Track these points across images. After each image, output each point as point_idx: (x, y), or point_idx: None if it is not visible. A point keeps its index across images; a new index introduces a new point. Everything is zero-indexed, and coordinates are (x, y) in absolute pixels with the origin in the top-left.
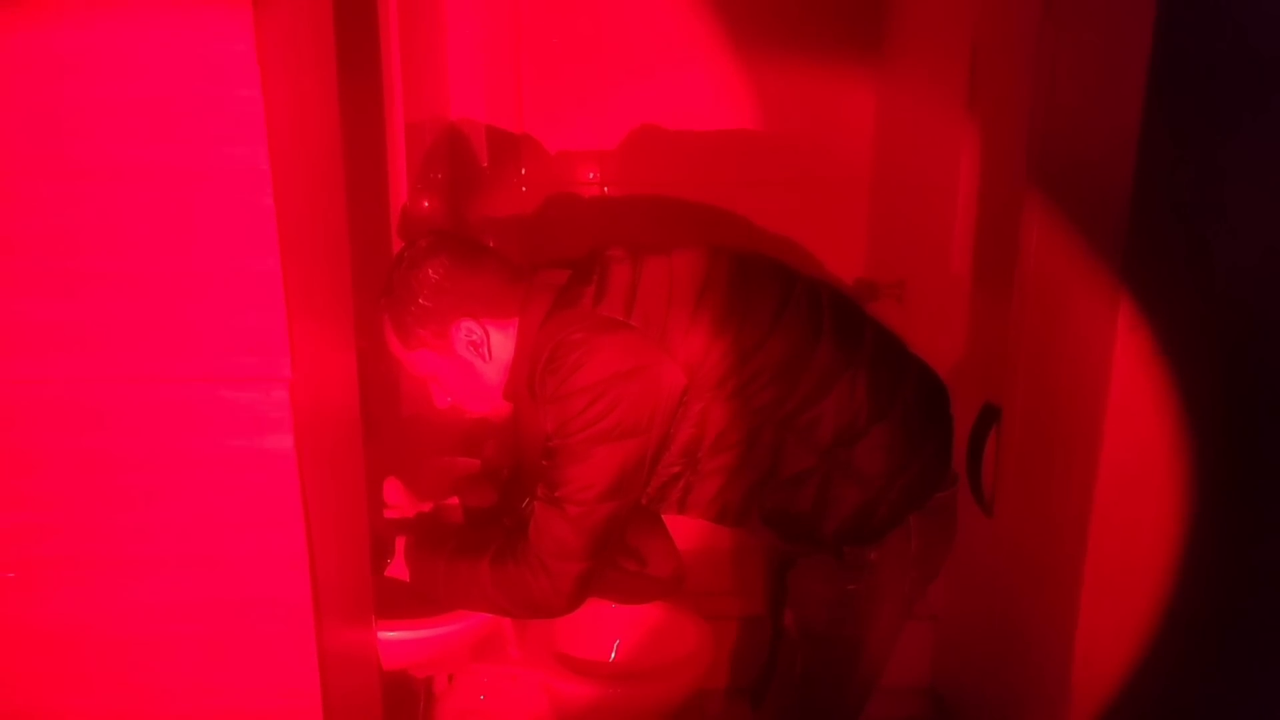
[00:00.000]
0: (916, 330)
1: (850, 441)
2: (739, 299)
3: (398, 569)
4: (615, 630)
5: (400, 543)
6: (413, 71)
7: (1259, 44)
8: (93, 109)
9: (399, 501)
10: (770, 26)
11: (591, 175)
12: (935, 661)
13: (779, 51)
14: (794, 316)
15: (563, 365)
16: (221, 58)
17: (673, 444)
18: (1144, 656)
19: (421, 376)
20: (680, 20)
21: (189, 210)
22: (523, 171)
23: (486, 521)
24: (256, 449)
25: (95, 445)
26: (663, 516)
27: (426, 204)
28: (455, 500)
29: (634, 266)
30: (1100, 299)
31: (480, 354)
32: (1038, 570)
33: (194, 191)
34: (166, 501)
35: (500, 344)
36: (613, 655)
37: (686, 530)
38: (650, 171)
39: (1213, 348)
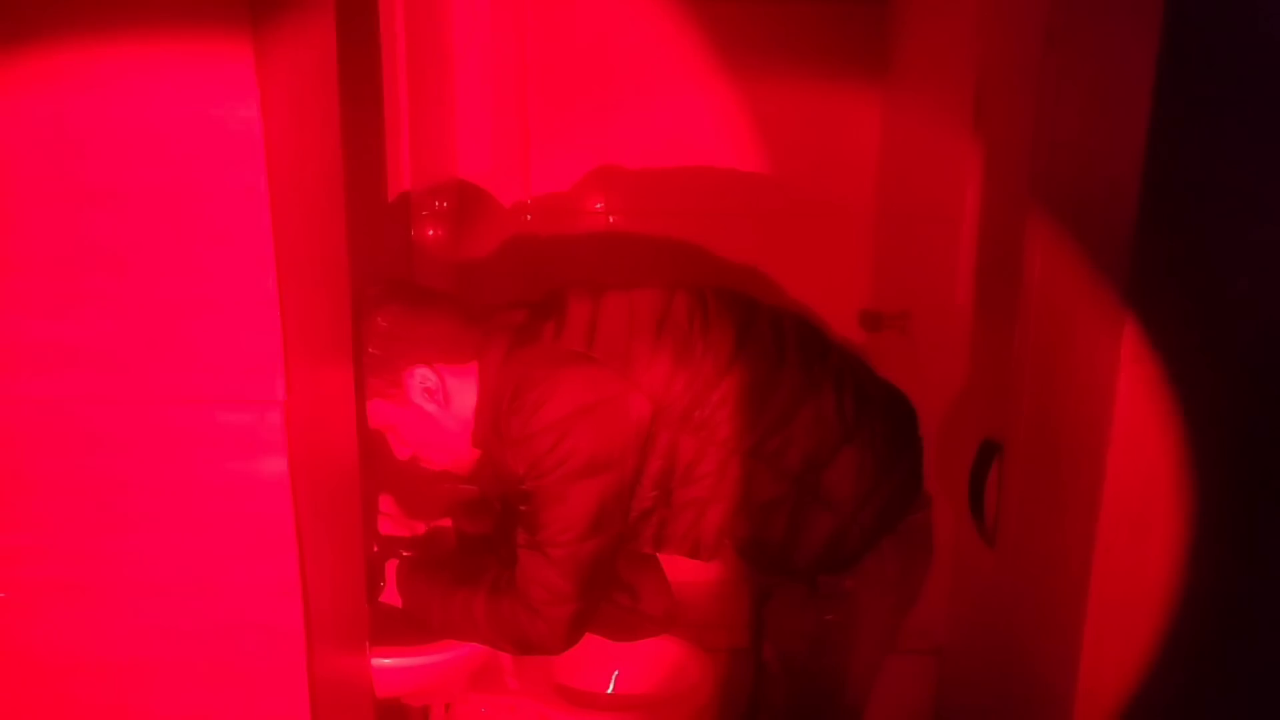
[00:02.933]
0: (921, 361)
1: (819, 466)
2: (699, 330)
3: (392, 594)
4: (614, 661)
5: (391, 567)
6: (419, 101)
7: (1266, 70)
8: (95, 132)
9: (394, 518)
10: (774, 57)
11: (599, 205)
12: (938, 696)
13: (782, 81)
14: (756, 345)
15: (526, 404)
16: (222, 81)
17: (644, 477)
18: (1148, 690)
19: (378, 427)
20: (685, 51)
21: (186, 232)
22: (529, 200)
23: (481, 548)
24: (250, 472)
25: (88, 467)
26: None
27: (432, 232)
28: (449, 523)
29: (593, 302)
30: (1105, 329)
31: (436, 400)
32: (1041, 603)
33: (192, 214)
34: (159, 524)
35: (458, 390)
36: (611, 687)
37: (672, 561)
38: (656, 200)
39: (1220, 379)
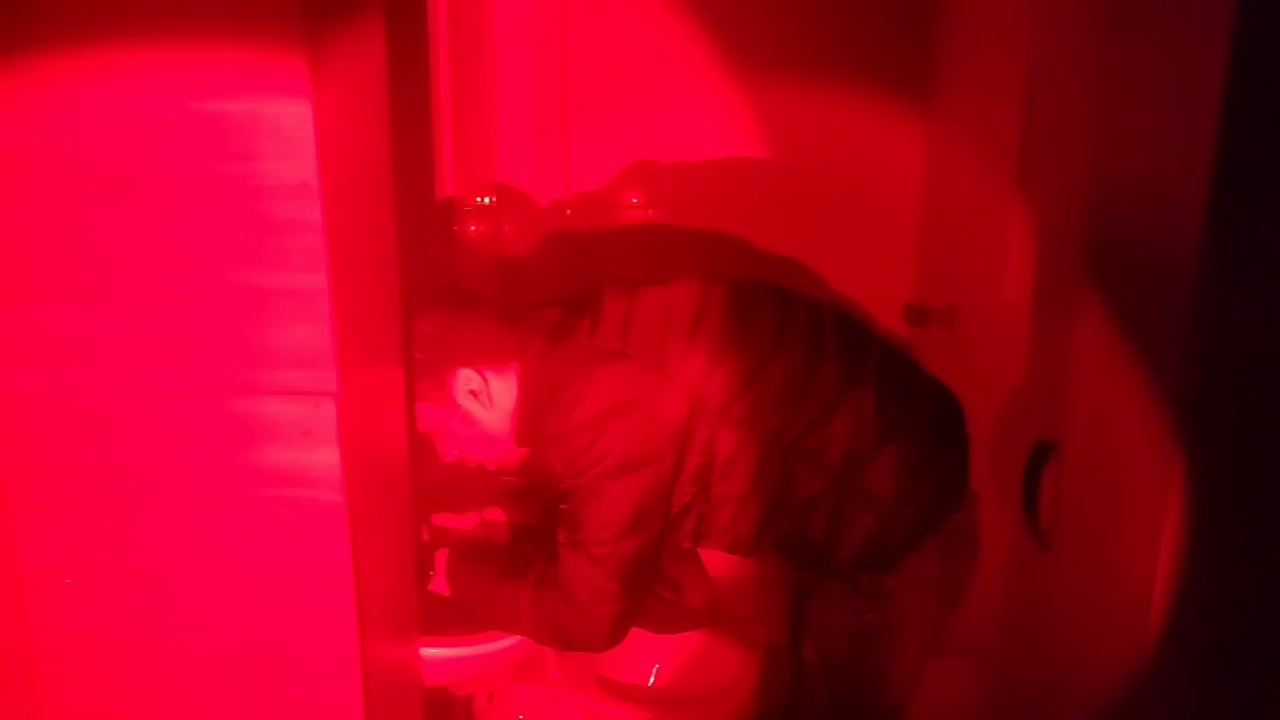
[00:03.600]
0: (968, 357)
1: (860, 464)
2: (736, 324)
3: (440, 584)
4: (656, 654)
5: (441, 557)
6: (461, 99)
7: None
8: (151, 127)
9: (444, 509)
10: (817, 49)
11: (635, 200)
12: (982, 699)
13: (826, 72)
14: (795, 338)
15: (562, 402)
16: (279, 88)
17: (682, 472)
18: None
19: (425, 429)
20: (727, 44)
21: (244, 230)
22: (569, 196)
23: (529, 538)
24: (304, 462)
25: (149, 456)
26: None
27: (474, 228)
28: (498, 514)
29: (628, 298)
30: (1171, 328)
31: (481, 402)
32: (1100, 609)
33: (249, 212)
34: (217, 513)
35: (501, 390)
36: (652, 679)
37: (711, 556)
38: (694, 195)
39: None
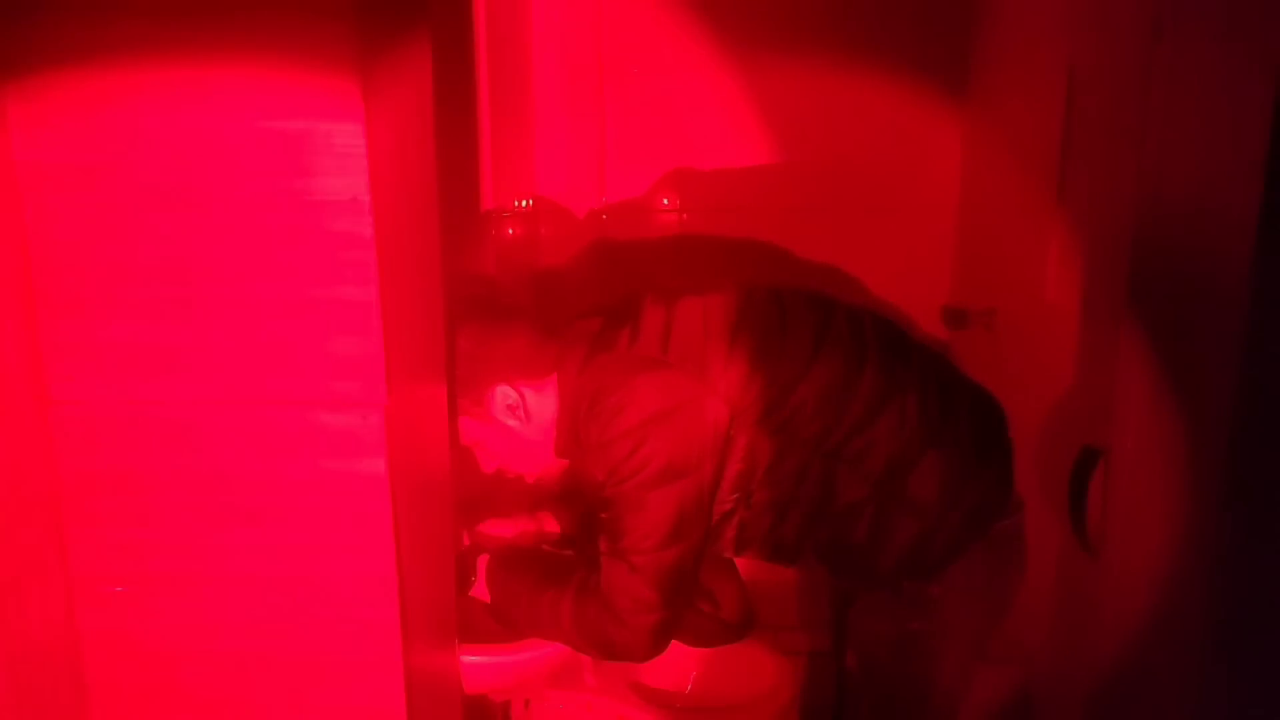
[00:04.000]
0: (1009, 361)
1: (903, 470)
2: (776, 331)
3: (480, 591)
4: (693, 662)
5: (481, 563)
6: (500, 106)
7: None
8: (207, 139)
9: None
10: (854, 55)
11: (666, 201)
12: (1028, 708)
13: (863, 76)
14: (835, 345)
15: (603, 411)
16: (332, 109)
17: (723, 480)
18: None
19: (464, 444)
20: (764, 48)
21: (298, 246)
22: (603, 197)
23: (569, 545)
24: (352, 472)
25: (199, 465)
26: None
27: (511, 231)
28: (539, 521)
29: (667, 306)
30: (1222, 334)
31: (518, 416)
32: (1150, 618)
33: (303, 229)
34: (264, 521)
35: (539, 404)
36: (689, 687)
37: (753, 562)
38: (730, 200)
39: None
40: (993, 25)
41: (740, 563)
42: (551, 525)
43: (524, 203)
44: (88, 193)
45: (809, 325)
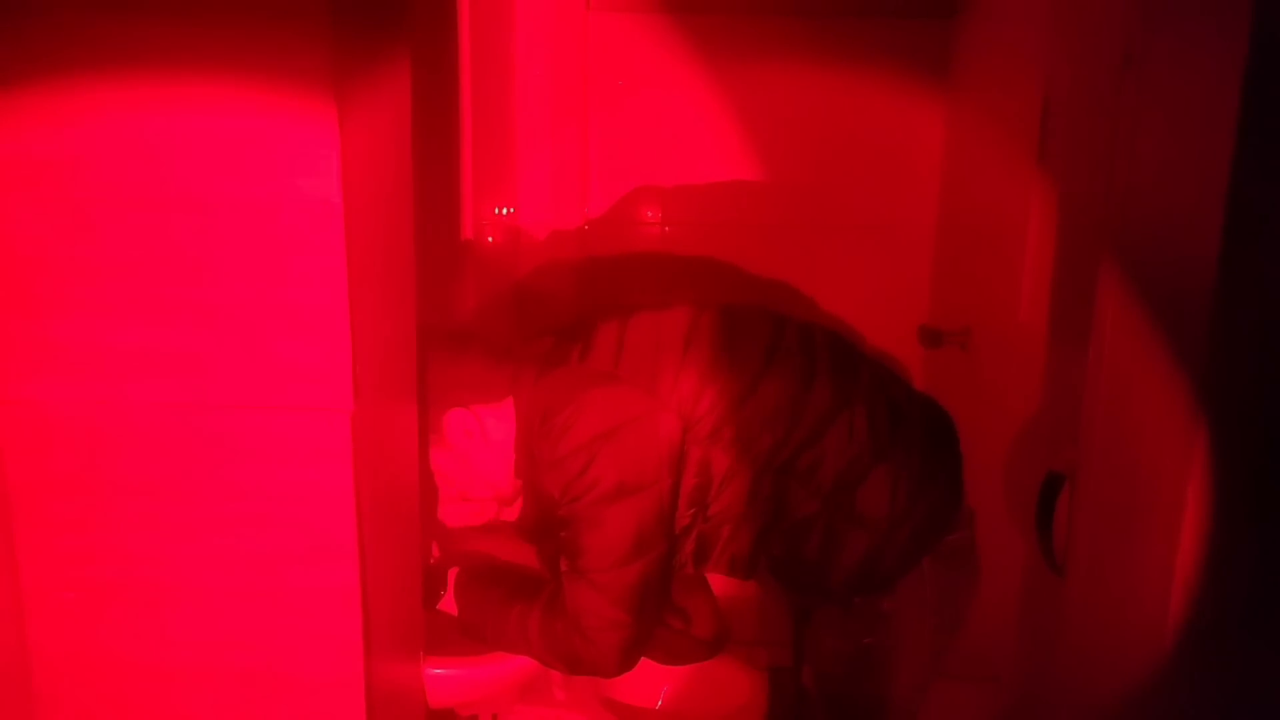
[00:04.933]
0: (983, 380)
1: (852, 484)
2: (726, 346)
3: (449, 604)
4: (664, 677)
5: (452, 576)
6: (482, 116)
7: None
8: (176, 143)
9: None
10: (835, 72)
11: (649, 214)
12: None
13: (843, 96)
14: (785, 360)
15: (554, 428)
16: (298, 97)
17: (679, 494)
18: None
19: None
20: (746, 66)
21: (265, 248)
22: (586, 210)
23: (538, 557)
24: (315, 479)
25: (156, 470)
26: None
27: (491, 239)
28: (508, 533)
29: (620, 322)
30: (1186, 359)
31: (475, 441)
32: (1115, 637)
33: (267, 224)
34: (223, 528)
35: (496, 427)
36: (659, 702)
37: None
38: (711, 212)
39: None
40: (971, 49)
41: (711, 581)
42: (522, 538)
43: (504, 210)
44: (43, 190)
45: (759, 340)
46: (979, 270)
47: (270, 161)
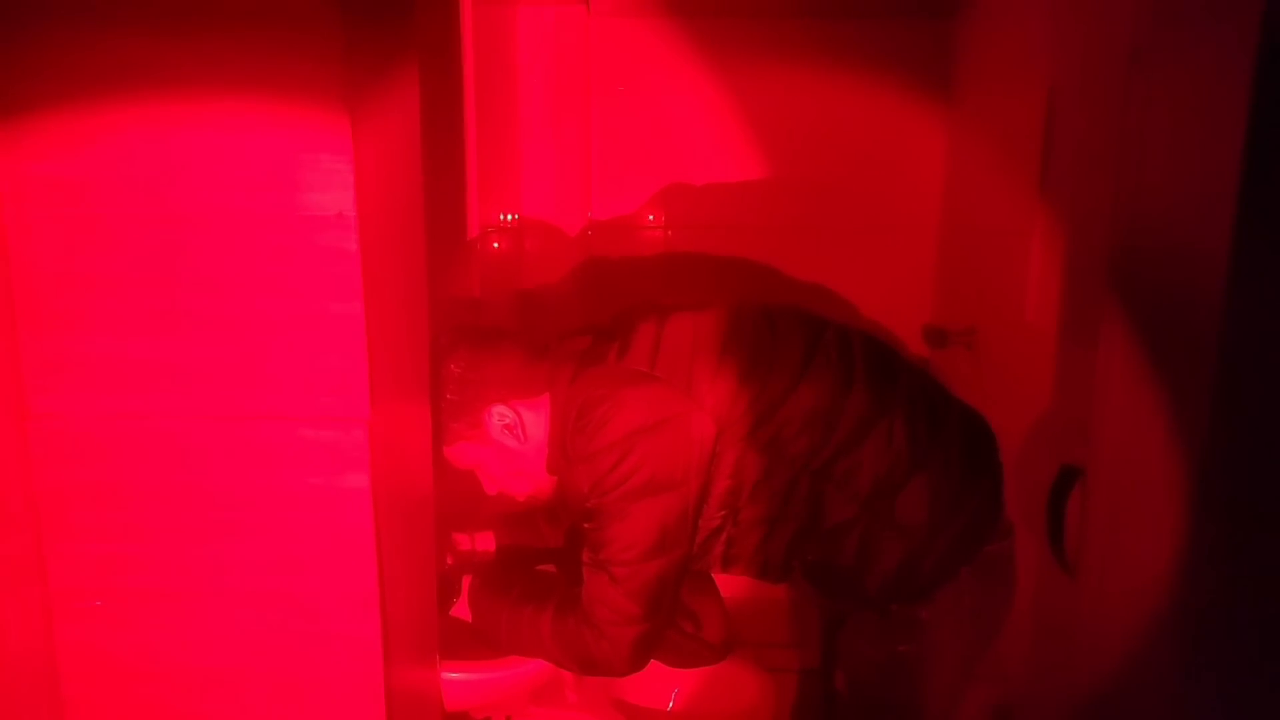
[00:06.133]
0: (990, 380)
1: (891, 491)
2: (764, 348)
3: (462, 609)
4: (674, 679)
5: (466, 582)
6: (486, 124)
7: None
8: (193, 158)
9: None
10: (837, 72)
11: (651, 217)
12: None
13: (846, 96)
14: (823, 363)
15: (589, 423)
16: (321, 133)
17: (711, 495)
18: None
19: (465, 468)
20: (749, 67)
21: (284, 261)
22: (589, 214)
23: (551, 559)
24: (334, 487)
25: (180, 479)
26: (712, 575)
27: (496, 245)
28: (519, 536)
29: (658, 322)
30: (1196, 354)
31: (516, 435)
32: (1127, 636)
33: (289, 244)
34: (245, 536)
35: (534, 422)
36: (670, 704)
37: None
38: (714, 214)
39: None
40: (974, 47)
41: (729, 578)
42: (534, 540)
43: (509, 217)
44: (70, 208)
45: (798, 343)
46: (983, 269)
47: (285, 176)
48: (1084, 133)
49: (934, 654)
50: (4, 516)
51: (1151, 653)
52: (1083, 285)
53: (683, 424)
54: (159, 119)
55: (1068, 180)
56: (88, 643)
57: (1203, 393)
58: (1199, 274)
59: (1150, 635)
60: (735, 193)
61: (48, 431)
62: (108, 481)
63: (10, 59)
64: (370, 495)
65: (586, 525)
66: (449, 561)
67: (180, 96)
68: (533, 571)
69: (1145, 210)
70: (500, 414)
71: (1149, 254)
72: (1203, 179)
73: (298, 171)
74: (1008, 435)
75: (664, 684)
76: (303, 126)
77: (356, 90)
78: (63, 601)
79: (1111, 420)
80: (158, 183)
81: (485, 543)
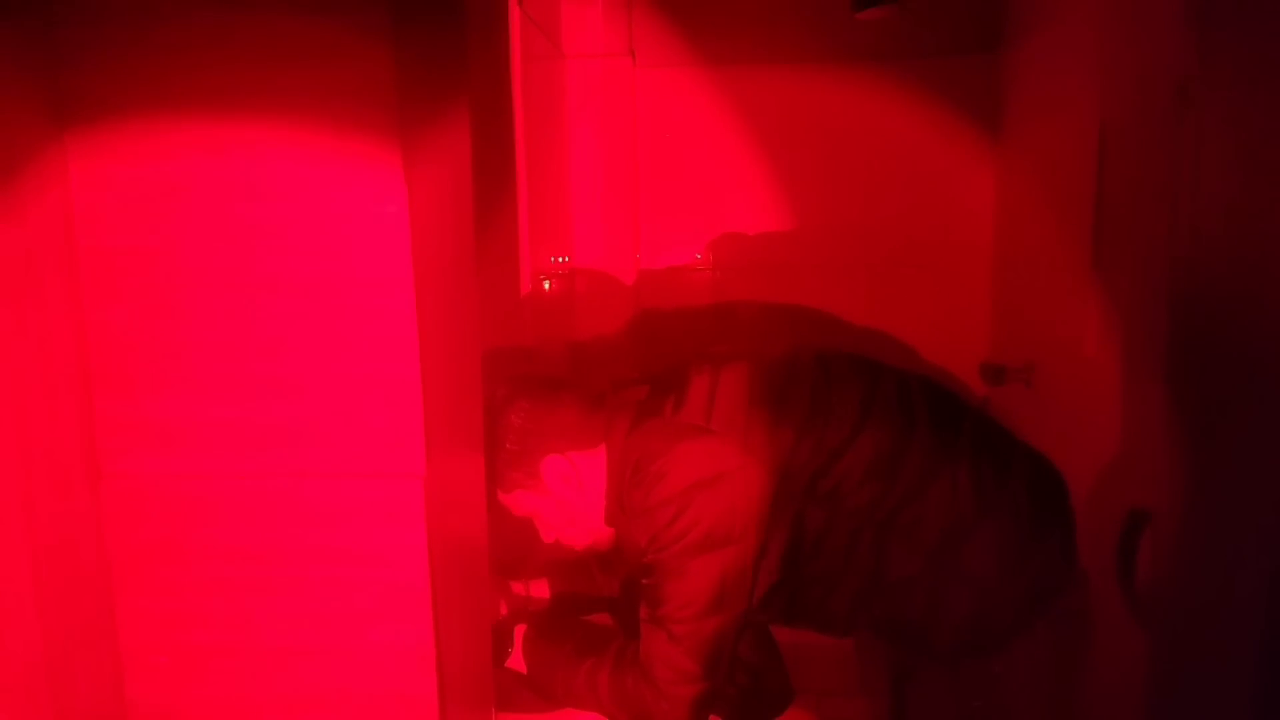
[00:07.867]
0: (1049, 418)
1: (957, 542)
2: (821, 397)
3: (517, 661)
4: None
5: (518, 632)
6: (537, 175)
7: None
8: (252, 223)
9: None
10: (882, 114)
11: (701, 260)
12: None
13: (896, 132)
14: (883, 411)
15: (646, 477)
16: (375, 184)
17: (770, 550)
18: None
19: (523, 516)
20: (791, 112)
21: (338, 318)
22: (638, 260)
23: (607, 610)
24: (391, 542)
25: (242, 537)
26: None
27: (548, 285)
28: (575, 586)
29: (712, 373)
30: (1267, 391)
31: (572, 486)
32: (1203, 689)
33: (344, 301)
34: (306, 592)
35: (590, 473)
36: None
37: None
38: (764, 255)
39: None
40: (1021, 81)
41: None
42: (590, 590)
43: (561, 259)
44: (142, 271)
45: (855, 391)
46: (1040, 305)
47: (343, 232)
48: (1138, 167)
49: (1008, 710)
50: (77, 575)
51: (1223, 698)
52: (1143, 321)
53: (740, 478)
54: (220, 183)
55: (1123, 214)
56: (158, 699)
57: (1275, 430)
58: (1263, 309)
59: (1222, 682)
60: (784, 235)
61: (119, 491)
62: (174, 539)
63: (92, 143)
64: (425, 547)
65: (645, 581)
66: (503, 611)
67: (240, 155)
68: (588, 623)
69: (1203, 245)
70: (557, 464)
71: (1210, 291)
72: (1262, 214)
73: (355, 230)
74: (1070, 472)
75: None
76: (360, 183)
77: (410, 144)
78: (132, 658)
79: (1184, 460)
80: (222, 246)
81: (539, 590)
